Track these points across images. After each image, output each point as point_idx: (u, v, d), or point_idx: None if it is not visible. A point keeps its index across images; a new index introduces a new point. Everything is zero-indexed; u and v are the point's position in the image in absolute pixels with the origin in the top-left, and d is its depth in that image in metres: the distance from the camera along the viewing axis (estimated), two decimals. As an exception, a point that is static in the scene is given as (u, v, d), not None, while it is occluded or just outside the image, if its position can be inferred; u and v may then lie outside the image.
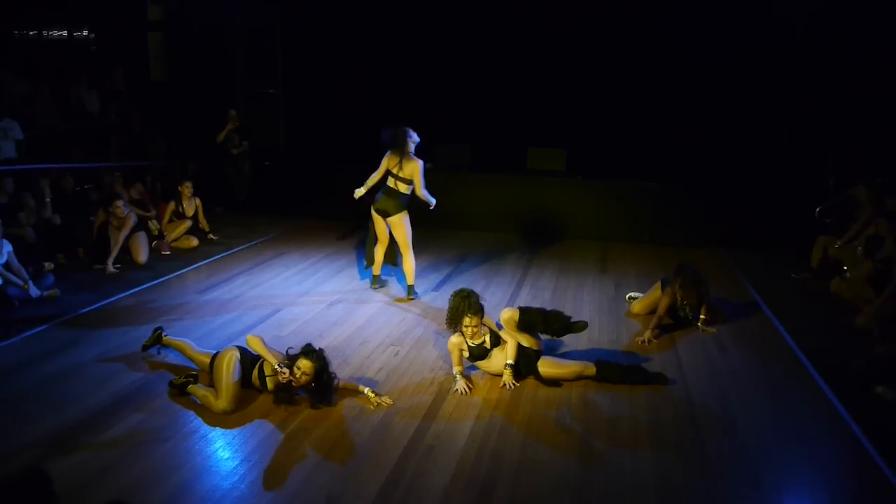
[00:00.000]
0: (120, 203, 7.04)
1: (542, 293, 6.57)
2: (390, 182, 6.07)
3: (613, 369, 4.59)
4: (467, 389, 4.41)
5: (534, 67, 9.74)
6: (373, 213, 6.20)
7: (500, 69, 9.80)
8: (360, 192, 6.19)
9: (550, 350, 4.86)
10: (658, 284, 5.93)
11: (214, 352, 4.40)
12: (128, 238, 7.06)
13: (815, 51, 8.73)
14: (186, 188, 8.13)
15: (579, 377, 4.57)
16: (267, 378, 4.17)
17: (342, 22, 10.20)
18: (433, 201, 6.18)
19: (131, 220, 7.07)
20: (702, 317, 5.67)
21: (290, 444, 3.77)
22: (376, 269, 6.52)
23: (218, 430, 3.87)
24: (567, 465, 3.64)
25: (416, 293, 6.30)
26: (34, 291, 5.89)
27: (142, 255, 7.13)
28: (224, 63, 10.78)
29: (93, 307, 5.86)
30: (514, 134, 9.74)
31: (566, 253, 8.25)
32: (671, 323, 5.67)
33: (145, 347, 4.81)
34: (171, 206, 8.11)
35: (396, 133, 6.02)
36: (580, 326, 4.76)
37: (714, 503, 3.38)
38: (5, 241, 5.90)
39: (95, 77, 10.19)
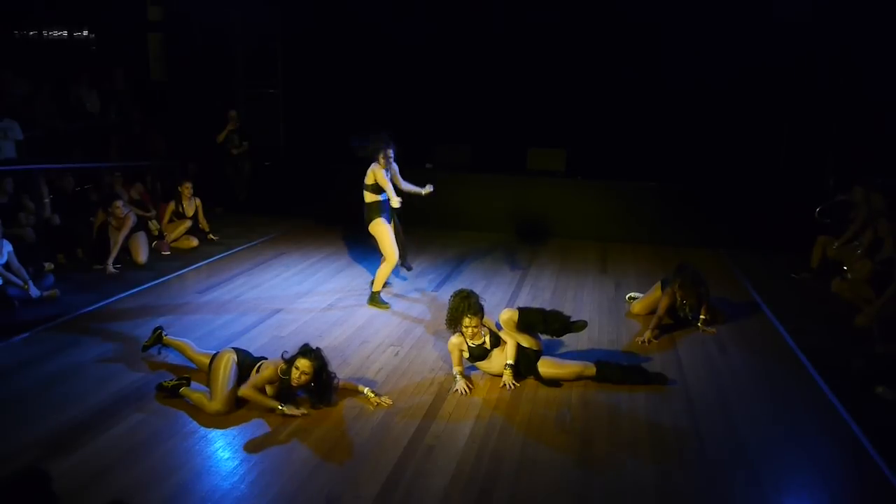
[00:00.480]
0: (120, 203, 7.05)
1: (542, 293, 6.57)
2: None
3: (613, 369, 4.59)
4: (467, 390, 4.41)
5: (534, 68, 9.74)
6: None
7: (500, 69, 9.80)
8: (396, 201, 5.91)
9: (550, 350, 4.86)
10: (658, 285, 5.93)
11: (214, 352, 4.40)
12: (127, 238, 7.06)
13: (815, 51, 8.73)
14: (186, 188, 8.13)
15: (579, 377, 4.57)
16: (267, 388, 4.16)
17: (342, 22, 10.20)
18: (423, 190, 6.14)
19: (131, 221, 7.08)
20: (702, 317, 5.67)
21: (290, 444, 3.77)
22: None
23: (218, 431, 3.86)
24: (567, 465, 3.64)
25: (381, 300, 6.06)
26: (34, 292, 5.89)
27: (141, 255, 7.13)
28: (224, 63, 10.77)
29: (93, 307, 5.86)
30: (514, 134, 9.74)
31: (566, 253, 8.26)
32: (671, 323, 5.67)
33: (145, 348, 4.80)
34: (171, 206, 8.11)
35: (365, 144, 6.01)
36: (579, 326, 4.76)
37: (714, 503, 3.38)
38: (5, 242, 5.90)
39: (95, 77, 10.17)
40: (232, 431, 3.86)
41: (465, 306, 4.42)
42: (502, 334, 4.60)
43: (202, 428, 3.88)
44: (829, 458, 3.79)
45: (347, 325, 5.61)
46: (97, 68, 10.49)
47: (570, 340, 5.10)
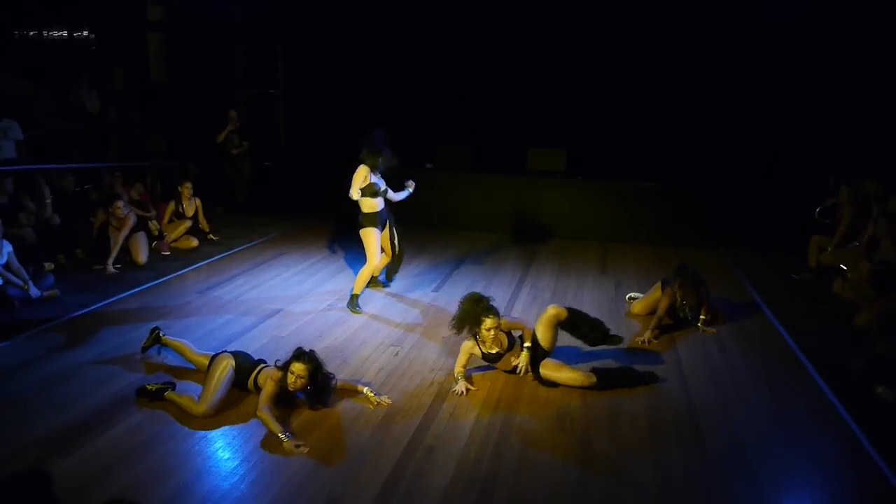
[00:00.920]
0: (120, 203, 7.04)
1: (542, 293, 6.57)
2: None
3: (612, 375, 4.55)
4: (465, 391, 4.40)
5: (534, 68, 9.73)
6: None
7: (500, 70, 9.80)
8: (356, 195, 5.91)
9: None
10: (658, 285, 5.93)
11: (213, 353, 4.39)
12: (127, 238, 7.06)
13: (815, 51, 8.73)
14: (186, 188, 8.13)
15: (579, 386, 4.49)
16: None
17: (342, 22, 10.20)
18: (408, 189, 6.18)
19: (131, 221, 7.07)
20: (702, 317, 5.67)
21: (290, 444, 3.77)
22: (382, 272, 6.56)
23: (218, 431, 3.86)
24: (567, 465, 3.64)
25: (357, 305, 5.94)
26: (34, 292, 5.89)
27: (141, 255, 7.13)
28: (224, 63, 10.78)
29: (93, 307, 5.86)
30: (514, 134, 9.74)
31: (566, 253, 8.26)
32: (671, 323, 5.67)
33: (144, 349, 4.80)
34: (171, 206, 8.11)
35: None
36: (615, 340, 4.79)
37: (714, 503, 3.38)
38: (5, 242, 5.90)
39: (95, 77, 10.19)
40: (232, 431, 3.86)
41: (481, 309, 4.38)
42: (517, 324, 4.62)
43: (202, 428, 3.88)
44: (829, 458, 3.79)
45: (347, 325, 5.61)
46: (97, 68, 10.50)
47: (572, 339, 5.08)
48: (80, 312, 5.72)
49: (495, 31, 9.79)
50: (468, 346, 4.53)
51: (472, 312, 4.40)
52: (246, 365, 4.25)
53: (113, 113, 10.05)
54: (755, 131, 9.30)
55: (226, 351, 4.37)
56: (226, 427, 3.91)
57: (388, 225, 6.17)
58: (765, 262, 7.90)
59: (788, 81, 9.03)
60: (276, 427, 3.77)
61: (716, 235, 8.66)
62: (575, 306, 4.94)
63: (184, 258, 7.52)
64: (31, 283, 5.91)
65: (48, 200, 7.30)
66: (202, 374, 4.36)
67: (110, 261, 6.88)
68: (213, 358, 4.29)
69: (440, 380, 4.61)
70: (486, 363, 4.63)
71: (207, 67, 10.64)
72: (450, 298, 6.36)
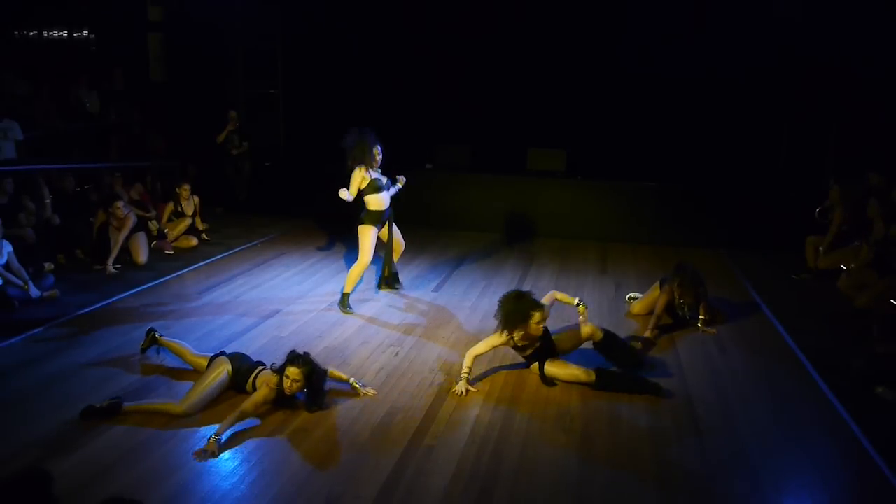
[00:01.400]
0: (120, 204, 7.05)
1: (542, 293, 6.52)
2: None
3: (613, 378, 4.53)
4: (465, 392, 4.39)
5: (534, 68, 9.74)
6: None
7: (500, 69, 9.80)
8: (344, 195, 5.83)
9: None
10: (657, 284, 5.93)
11: (212, 354, 4.38)
12: (127, 238, 7.06)
13: (815, 51, 8.73)
14: (185, 190, 8.12)
15: (578, 382, 4.51)
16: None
17: (342, 22, 10.21)
18: (399, 184, 6.14)
19: (131, 221, 7.08)
20: (701, 317, 5.67)
21: (290, 444, 3.77)
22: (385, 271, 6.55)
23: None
24: (567, 465, 3.64)
25: (348, 305, 5.90)
26: (34, 292, 5.89)
27: (141, 255, 7.13)
28: (224, 63, 10.78)
29: (93, 307, 5.86)
30: (514, 134, 9.74)
31: (566, 253, 8.26)
32: (670, 323, 5.68)
33: (143, 350, 4.79)
34: (170, 206, 8.11)
35: None
36: (644, 367, 4.79)
37: (714, 503, 3.38)
38: (5, 242, 5.90)
39: (95, 77, 10.19)
40: (232, 432, 3.86)
41: (527, 305, 4.41)
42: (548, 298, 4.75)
43: (202, 428, 3.88)
44: (829, 458, 3.79)
45: (347, 325, 5.61)
46: (97, 68, 10.50)
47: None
48: (80, 312, 5.72)
49: (495, 31, 9.79)
50: (497, 340, 4.50)
51: (519, 310, 4.40)
52: (244, 367, 4.24)
53: (113, 113, 10.05)
54: (755, 131, 9.30)
55: (224, 353, 4.36)
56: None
57: (388, 223, 6.15)
58: (765, 262, 7.90)
59: (788, 81, 9.03)
60: (226, 425, 3.72)
61: (716, 235, 8.66)
62: (574, 307, 4.94)
63: (184, 258, 7.52)
64: (31, 283, 5.91)
65: (48, 200, 7.30)
66: (199, 373, 4.35)
67: (110, 261, 6.88)
68: (212, 360, 4.29)
69: (440, 380, 4.61)
70: (485, 364, 4.63)
71: (207, 67, 10.64)
72: (450, 298, 6.37)
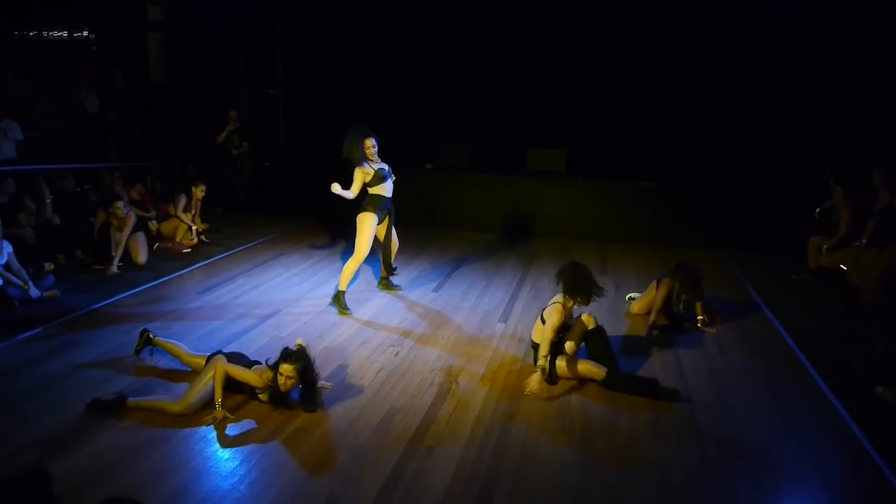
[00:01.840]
0: (121, 204, 7.04)
1: (542, 293, 6.57)
2: None
3: (621, 380, 4.50)
4: (536, 389, 4.27)
5: (534, 68, 9.74)
6: None
7: (500, 70, 9.80)
8: (336, 188, 5.84)
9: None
10: (653, 284, 5.94)
11: (210, 354, 4.36)
12: (127, 238, 7.05)
13: (815, 51, 8.73)
14: (200, 191, 8.07)
15: (592, 378, 4.50)
16: (259, 395, 4.15)
17: (342, 22, 10.21)
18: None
19: (131, 221, 7.08)
20: (700, 317, 5.67)
21: (290, 444, 3.77)
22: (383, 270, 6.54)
23: (218, 431, 3.86)
24: (567, 465, 3.64)
25: (344, 305, 5.88)
26: (34, 292, 5.89)
27: (141, 255, 7.13)
28: (224, 63, 10.78)
29: (93, 307, 5.86)
30: (514, 134, 9.74)
31: (566, 253, 8.23)
32: (667, 324, 5.68)
33: (137, 351, 4.77)
34: (171, 207, 8.09)
35: None
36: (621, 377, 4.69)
37: (714, 503, 3.38)
38: (5, 242, 5.90)
39: (95, 77, 10.19)
40: (231, 432, 3.86)
41: (587, 270, 4.48)
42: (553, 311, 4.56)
43: (202, 428, 3.88)
44: (829, 458, 3.79)
45: (347, 325, 5.61)
46: (97, 68, 10.50)
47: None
48: (79, 312, 5.72)
49: (495, 31, 9.79)
50: (563, 307, 4.49)
51: (585, 276, 4.48)
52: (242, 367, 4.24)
53: (113, 113, 10.05)
54: (755, 131, 9.30)
55: (222, 352, 4.36)
56: (225, 427, 3.90)
57: (388, 217, 6.12)
58: (765, 262, 7.90)
59: (788, 82, 9.02)
60: (220, 391, 3.96)
61: (716, 235, 8.66)
62: (574, 307, 4.93)
63: (184, 258, 7.52)
64: (31, 283, 5.91)
65: (48, 200, 7.30)
66: (196, 373, 4.35)
67: (116, 261, 6.88)
68: (209, 359, 4.28)
69: (440, 380, 4.61)
70: (484, 363, 4.63)
71: (207, 67, 10.64)
72: (450, 299, 6.37)
